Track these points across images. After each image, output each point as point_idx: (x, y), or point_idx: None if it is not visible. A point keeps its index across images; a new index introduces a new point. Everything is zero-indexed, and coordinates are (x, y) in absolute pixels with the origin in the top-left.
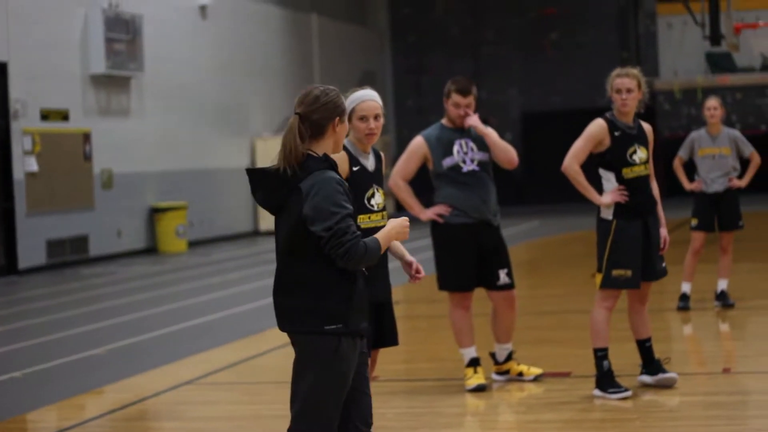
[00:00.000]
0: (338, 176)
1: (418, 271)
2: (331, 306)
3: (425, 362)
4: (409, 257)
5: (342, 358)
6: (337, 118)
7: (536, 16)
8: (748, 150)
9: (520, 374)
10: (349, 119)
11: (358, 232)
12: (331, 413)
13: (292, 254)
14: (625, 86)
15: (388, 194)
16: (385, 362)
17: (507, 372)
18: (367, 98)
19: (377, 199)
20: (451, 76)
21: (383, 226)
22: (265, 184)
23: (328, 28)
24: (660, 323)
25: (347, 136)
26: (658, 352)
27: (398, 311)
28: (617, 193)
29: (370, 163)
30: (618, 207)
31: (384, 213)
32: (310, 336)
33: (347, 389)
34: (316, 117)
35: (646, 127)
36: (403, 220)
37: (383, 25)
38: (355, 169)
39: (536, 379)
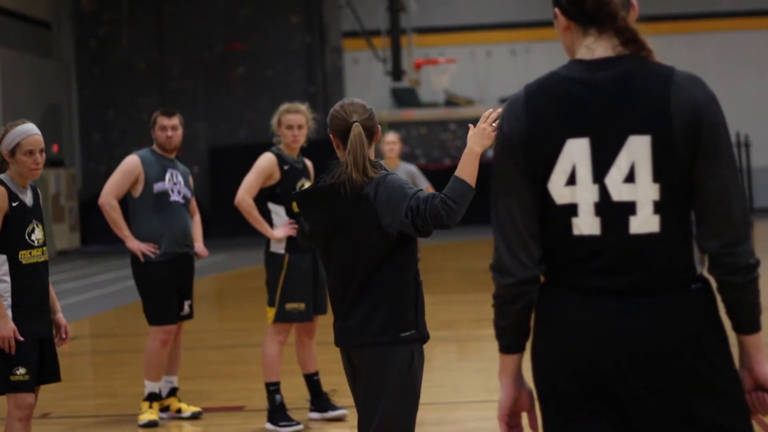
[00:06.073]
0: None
1: (65, 336)
2: (403, 312)
3: (102, 398)
4: (59, 317)
5: (415, 372)
6: (378, 127)
7: (223, 51)
8: (424, 184)
9: (179, 411)
10: (13, 154)
11: (433, 192)
12: None
13: (365, 264)
14: (297, 122)
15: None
16: (61, 398)
17: (167, 408)
18: (32, 132)
19: (37, 234)
20: (137, 110)
21: (44, 262)
22: (327, 201)
23: (11, 60)
24: (331, 355)
25: (6, 171)
26: (331, 384)
27: (79, 346)
28: (289, 226)
29: (28, 199)
30: (290, 241)
31: (44, 248)
32: (385, 347)
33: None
34: (370, 124)
35: (308, 162)
36: (483, 126)
37: (69, 58)
38: (14, 204)
39: (193, 416)
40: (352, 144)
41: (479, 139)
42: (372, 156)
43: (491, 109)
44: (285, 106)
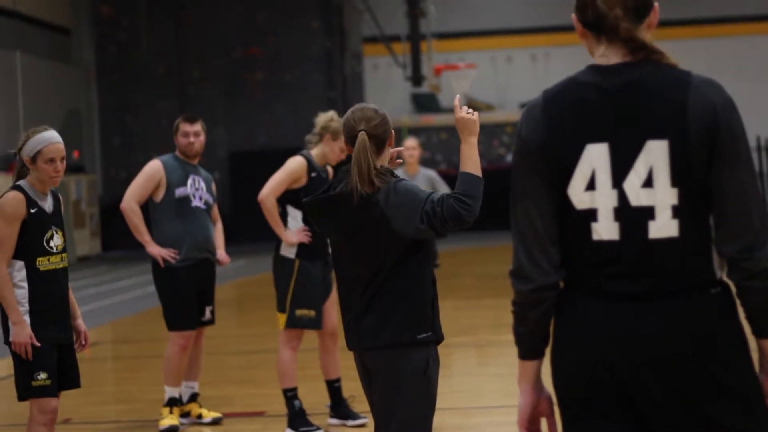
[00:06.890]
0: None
1: (85, 342)
2: (421, 313)
3: (122, 404)
4: (79, 323)
5: (431, 378)
6: (392, 132)
7: (242, 56)
8: (445, 190)
9: (200, 416)
10: (34, 161)
11: (445, 192)
12: None
13: (381, 268)
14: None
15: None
16: (82, 404)
17: (188, 414)
18: (54, 140)
19: (56, 241)
20: (156, 115)
21: (63, 268)
22: (338, 209)
23: (32, 66)
24: (354, 361)
25: (27, 177)
26: (353, 390)
27: (100, 352)
28: (302, 233)
29: (48, 205)
30: (301, 246)
31: (64, 255)
32: (401, 349)
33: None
34: (379, 131)
35: (330, 170)
36: (465, 116)
37: (89, 63)
38: (32, 211)
39: (214, 422)
40: (355, 154)
41: (467, 129)
42: (385, 162)
43: (454, 100)
44: (331, 115)
